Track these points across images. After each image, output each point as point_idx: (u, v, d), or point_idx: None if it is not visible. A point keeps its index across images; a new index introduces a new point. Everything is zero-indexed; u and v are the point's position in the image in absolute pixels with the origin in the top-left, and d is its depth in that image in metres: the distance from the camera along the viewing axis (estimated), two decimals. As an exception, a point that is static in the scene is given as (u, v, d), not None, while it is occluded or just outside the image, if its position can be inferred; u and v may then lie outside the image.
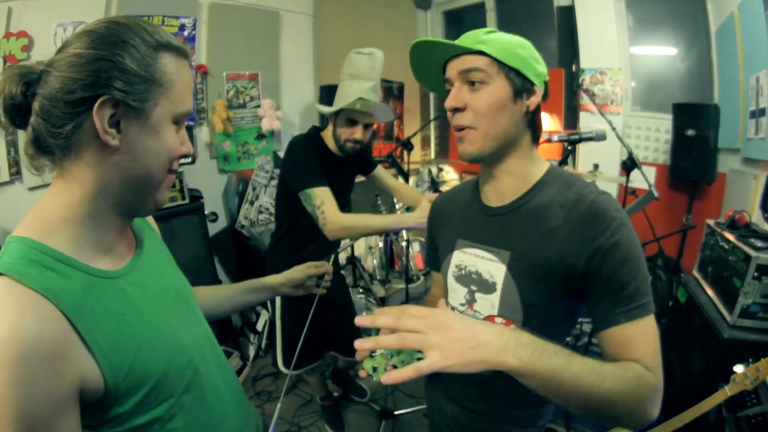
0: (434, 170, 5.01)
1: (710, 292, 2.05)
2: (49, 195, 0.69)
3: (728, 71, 3.05)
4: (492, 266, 0.99)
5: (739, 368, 1.50)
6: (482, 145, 0.94)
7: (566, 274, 0.90)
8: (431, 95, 5.49)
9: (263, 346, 3.31)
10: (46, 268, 0.62)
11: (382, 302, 3.96)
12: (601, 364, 0.77)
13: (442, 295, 1.19)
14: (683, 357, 2.05)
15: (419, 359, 0.75)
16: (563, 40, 4.10)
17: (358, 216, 1.94)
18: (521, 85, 0.92)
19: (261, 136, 3.82)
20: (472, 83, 0.91)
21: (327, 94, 3.76)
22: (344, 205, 2.06)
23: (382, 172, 2.30)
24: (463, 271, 1.06)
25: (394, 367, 0.82)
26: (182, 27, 3.02)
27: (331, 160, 1.95)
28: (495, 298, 0.99)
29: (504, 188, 1.01)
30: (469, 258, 1.05)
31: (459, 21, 5.41)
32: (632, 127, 3.82)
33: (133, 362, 0.68)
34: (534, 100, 0.94)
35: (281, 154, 3.97)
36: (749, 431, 1.42)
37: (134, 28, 0.67)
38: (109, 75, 0.64)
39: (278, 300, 2.23)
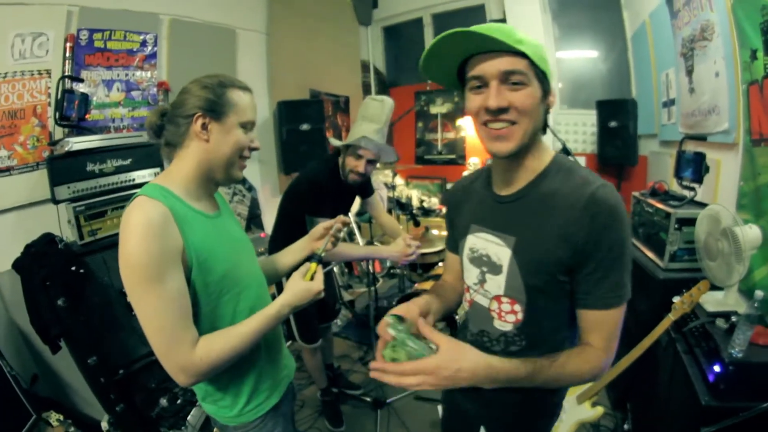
0: (389, 176, 5.22)
1: (644, 249, 2.46)
2: (171, 167, 1.16)
3: (642, 70, 3.59)
4: (499, 250, 1.06)
5: (676, 299, 1.85)
6: (521, 141, 0.97)
7: (564, 258, 0.96)
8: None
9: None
10: (165, 196, 1.06)
11: (351, 305, 4.14)
12: (557, 361, 0.97)
13: (451, 281, 1.33)
14: (631, 303, 2.36)
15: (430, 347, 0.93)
16: (496, 51, 4.55)
17: (342, 245, 2.24)
18: (547, 87, 0.98)
19: (220, 153, 3.89)
20: (513, 83, 0.93)
21: (285, 109, 3.96)
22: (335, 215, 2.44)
23: (377, 200, 2.66)
24: (475, 254, 1.13)
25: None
26: (144, 43, 3.05)
27: (340, 184, 2.31)
28: (501, 279, 1.06)
29: (513, 178, 1.06)
30: (480, 242, 1.12)
31: (398, 36, 5.79)
32: (561, 123, 4.32)
33: (206, 259, 1.09)
34: (552, 100, 1.01)
35: (240, 170, 4.07)
36: (694, 340, 1.75)
37: (219, 78, 1.15)
38: (201, 103, 1.11)
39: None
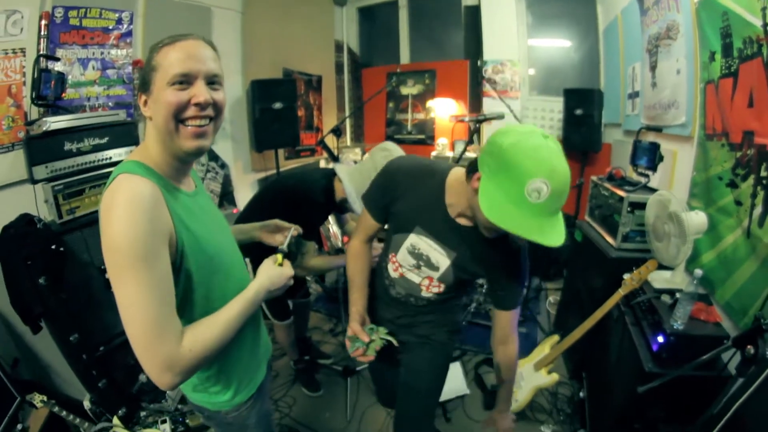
0: (359, 155, 5.30)
1: (599, 229, 2.64)
2: (144, 143, 1.06)
3: (612, 62, 3.75)
4: (440, 257, 1.41)
5: (627, 275, 2.02)
6: None
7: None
8: (346, 88, 5.86)
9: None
10: (149, 173, 0.98)
11: (322, 279, 4.28)
12: (505, 382, 1.57)
13: (361, 247, 1.61)
14: (586, 279, 2.62)
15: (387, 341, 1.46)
16: (469, 35, 4.66)
17: (323, 259, 2.43)
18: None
19: (195, 131, 3.87)
20: None
21: (258, 87, 3.96)
22: (314, 231, 2.50)
23: (348, 215, 2.81)
24: (415, 250, 1.44)
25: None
26: (119, 21, 2.99)
27: (330, 204, 2.35)
28: (435, 274, 1.45)
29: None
30: (423, 244, 1.42)
31: (373, 17, 5.79)
32: (530, 108, 4.46)
33: (197, 240, 1.04)
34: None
35: (215, 147, 4.06)
36: (641, 313, 1.93)
37: (153, 48, 1.00)
38: (139, 82, 1.03)
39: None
